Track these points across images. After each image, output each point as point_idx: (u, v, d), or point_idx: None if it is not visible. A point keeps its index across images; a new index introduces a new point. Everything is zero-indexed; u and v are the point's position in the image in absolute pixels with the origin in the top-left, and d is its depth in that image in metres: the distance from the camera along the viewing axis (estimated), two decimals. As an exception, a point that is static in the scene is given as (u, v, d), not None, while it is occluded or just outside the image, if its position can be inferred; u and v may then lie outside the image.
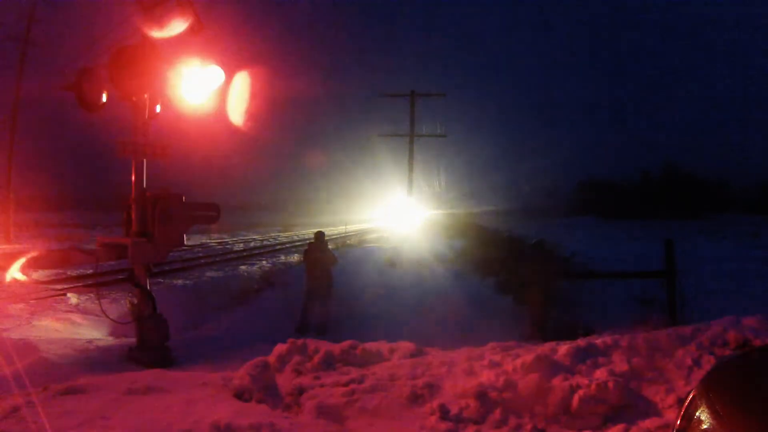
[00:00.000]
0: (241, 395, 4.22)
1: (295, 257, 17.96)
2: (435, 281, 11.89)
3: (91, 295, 9.31)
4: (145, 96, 6.04)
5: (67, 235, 26.53)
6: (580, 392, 3.84)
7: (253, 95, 7.29)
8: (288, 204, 78.36)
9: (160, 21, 5.93)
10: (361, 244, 23.07)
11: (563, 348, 4.50)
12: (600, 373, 4.13)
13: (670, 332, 4.56)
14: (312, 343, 5.20)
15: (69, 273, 13.19)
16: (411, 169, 28.74)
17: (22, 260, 14.04)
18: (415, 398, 4.08)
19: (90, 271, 12.98)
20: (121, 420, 3.56)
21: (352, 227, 36.44)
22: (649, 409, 3.83)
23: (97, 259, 8.05)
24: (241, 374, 4.42)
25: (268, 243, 26.65)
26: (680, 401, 3.13)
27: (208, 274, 13.79)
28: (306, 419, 3.88)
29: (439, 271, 13.49)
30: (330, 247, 9.62)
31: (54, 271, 13.42)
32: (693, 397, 2.25)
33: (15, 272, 11.82)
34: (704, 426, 2.03)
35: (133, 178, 6.08)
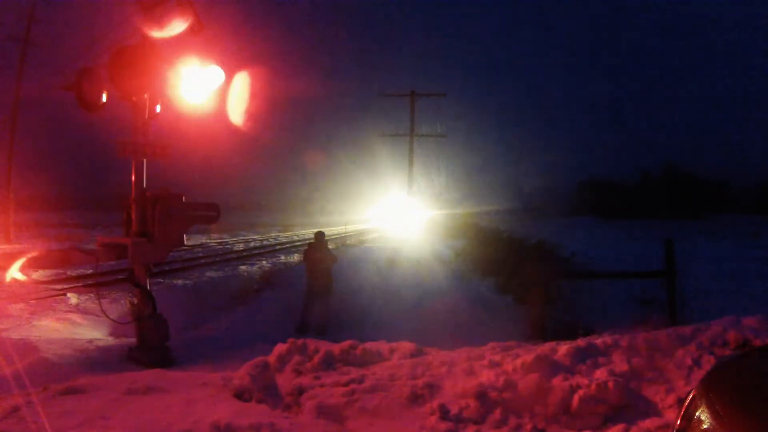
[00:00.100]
0: (241, 395, 4.22)
1: (295, 257, 17.96)
2: (435, 281, 11.89)
3: (91, 295, 9.31)
4: (145, 96, 6.04)
5: (67, 235, 26.53)
6: (580, 392, 3.84)
7: (253, 95, 7.29)
8: (288, 204, 78.36)
9: (160, 21, 5.94)
10: (361, 244, 23.06)
11: (563, 348, 4.50)
12: (600, 373, 4.13)
13: (670, 332, 4.56)
14: (312, 343, 5.20)
15: (69, 273, 13.18)
16: (411, 169, 28.79)
17: (22, 260, 14.05)
18: (415, 398, 4.08)
19: (90, 271, 12.98)
20: (121, 420, 3.56)
21: (352, 227, 36.43)
22: (649, 409, 3.83)
23: (97, 259, 8.06)
24: (241, 374, 4.42)
25: (268, 243, 26.65)
26: (680, 401, 3.13)
27: (208, 274, 13.79)
28: (306, 419, 3.88)
29: (439, 271, 13.49)
30: (330, 247, 9.62)
31: (54, 271, 13.41)
32: (693, 397, 2.25)
33: (15, 272, 11.82)
34: (704, 426, 2.03)
35: (133, 178, 6.08)
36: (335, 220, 43.51)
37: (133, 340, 6.34)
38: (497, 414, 3.82)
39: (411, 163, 28.66)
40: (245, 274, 14.28)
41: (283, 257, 18.60)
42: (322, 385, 4.38)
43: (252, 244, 25.32)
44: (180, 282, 12.25)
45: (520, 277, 9.39)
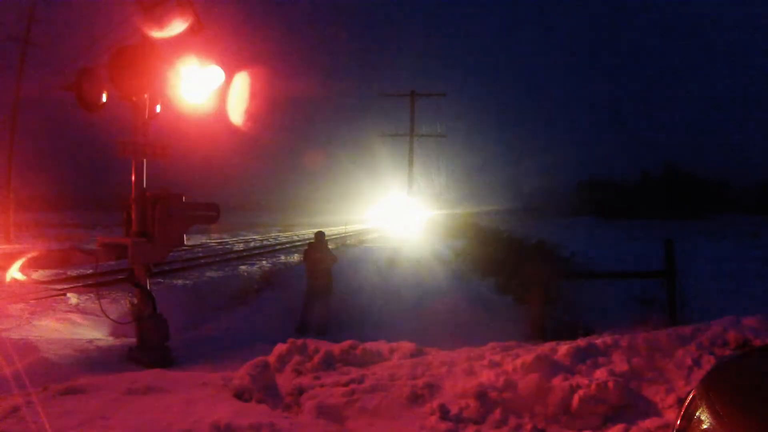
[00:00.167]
0: (241, 395, 4.22)
1: (295, 257, 17.96)
2: (435, 281, 11.89)
3: (91, 295, 9.31)
4: (145, 96, 6.04)
5: (67, 235, 26.53)
6: (580, 392, 3.84)
7: (253, 95, 7.29)
8: (288, 204, 78.38)
9: (160, 21, 5.94)
10: (361, 244, 23.07)
11: (563, 348, 4.50)
12: (600, 373, 4.13)
13: (670, 332, 4.56)
14: (312, 343, 5.20)
15: (69, 273, 13.18)
16: (411, 169, 28.80)
17: (22, 260, 14.05)
18: (415, 398, 4.08)
19: (90, 271, 12.98)
20: (121, 420, 3.56)
21: (352, 227, 36.43)
22: (649, 409, 3.83)
23: (97, 259, 8.06)
24: (241, 374, 4.42)
25: (268, 243, 26.64)
26: (680, 401, 3.13)
27: (208, 274, 13.79)
28: (306, 419, 3.88)
29: (440, 271, 13.49)
30: (330, 247, 9.62)
31: (54, 271, 13.41)
32: (693, 397, 2.25)
33: (15, 272, 11.82)
34: (704, 426, 2.03)
35: (133, 178, 6.08)
36: (335, 220, 43.49)
37: (133, 340, 6.34)
38: (497, 414, 3.82)
39: (411, 163, 28.67)
40: (245, 274, 14.28)
41: (283, 257, 18.59)
42: (322, 385, 4.38)
43: (252, 244, 25.31)
44: (180, 282, 12.25)
45: (520, 277, 9.39)
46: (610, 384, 3.85)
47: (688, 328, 4.66)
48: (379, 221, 44.65)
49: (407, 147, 28.59)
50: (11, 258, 14.35)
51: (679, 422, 2.27)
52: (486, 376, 4.19)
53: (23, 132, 23.51)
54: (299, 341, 5.24)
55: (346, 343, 5.16)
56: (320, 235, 9.22)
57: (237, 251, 20.89)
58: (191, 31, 6.08)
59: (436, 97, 28.39)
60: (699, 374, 3.82)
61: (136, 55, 5.86)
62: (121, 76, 5.86)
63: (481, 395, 3.93)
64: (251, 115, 7.49)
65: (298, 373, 4.80)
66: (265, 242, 27.25)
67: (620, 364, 4.24)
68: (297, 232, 36.42)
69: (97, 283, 10.65)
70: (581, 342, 4.65)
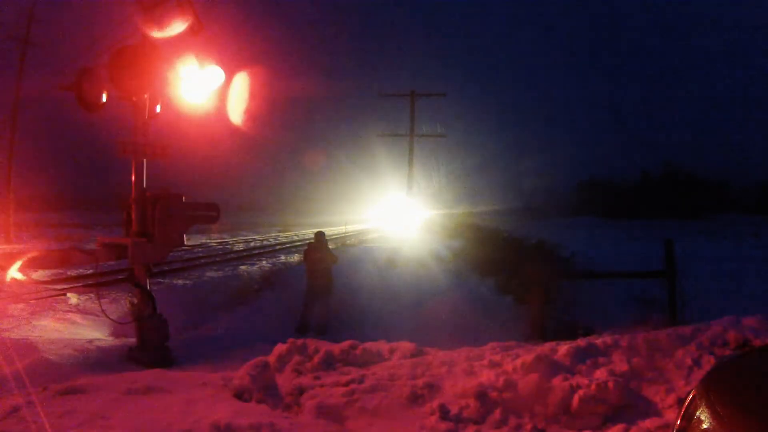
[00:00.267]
0: (241, 395, 4.23)
1: (295, 257, 17.96)
2: (435, 281, 11.89)
3: (91, 295, 9.31)
4: (145, 96, 6.04)
5: (67, 235, 26.52)
6: (580, 392, 3.84)
7: (253, 95, 7.29)
8: (288, 204, 78.39)
9: (160, 21, 5.93)
10: (360, 244, 23.07)
11: (563, 348, 4.51)
12: (600, 373, 4.13)
13: (670, 332, 4.56)
14: (312, 343, 5.20)
15: (69, 273, 13.18)
16: (411, 169, 28.79)
17: (22, 260, 14.04)
18: (415, 398, 4.08)
19: (90, 271, 12.98)
20: (121, 420, 3.56)
21: (352, 227, 36.44)
22: (649, 409, 3.83)
23: (97, 259, 8.05)
24: (241, 374, 4.42)
25: (268, 243, 26.65)
26: (680, 401, 3.13)
27: (208, 274, 13.79)
28: (306, 419, 3.88)
29: (439, 271, 13.48)
30: (330, 247, 9.62)
31: (54, 271, 13.41)
32: (693, 397, 2.25)
33: (15, 272, 11.82)
34: (704, 426, 2.03)
35: (133, 178, 6.08)
36: (335, 220, 43.50)
37: (133, 340, 6.33)
38: (497, 414, 3.82)
39: (411, 163, 28.66)
40: (245, 274, 14.28)
41: (283, 257, 18.59)
42: (322, 385, 4.38)
43: (252, 244, 25.32)
44: (180, 282, 12.25)
45: (520, 277, 9.39)
46: (610, 384, 3.85)
47: (688, 328, 4.66)
48: (378, 221, 44.66)
49: (407, 147, 28.58)
50: (11, 258, 14.36)
51: (679, 422, 2.27)
52: (486, 376, 4.19)
53: (23, 132, 23.53)
54: (299, 341, 5.24)
55: (346, 343, 5.16)
56: (320, 235, 9.22)
57: (237, 251, 20.89)
58: (191, 31, 6.07)
59: (436, 97, 28.37)
60: (699, 374, 3.82)
61: (136, 55, 5.85)
62: (121, 76, 5.86)
63: (481, 395, 3.93)
64: (251, 115, 7.49)
65: (298, 373, 4.80)
66: (265, 242, 27.26)
67: (620, 364, 4.24)
68: (297, 232, 36.42)
69: (97, 283, 10.65)
70: (581, 342, 4.65)
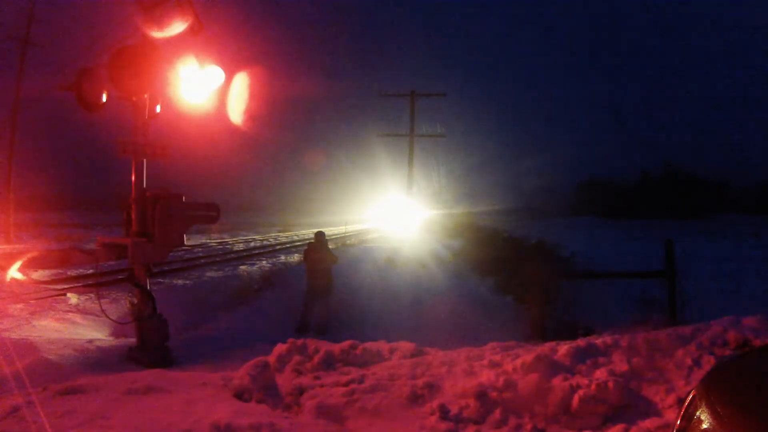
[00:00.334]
0: (241, 395, 4.22)
1: (295, 257, 17.96)
2: (435, 281, 11.89)
3: (91, 295, 9.31)
4: (145, 96, 6.04)
5: (67, 235, 26.52)
6: (580, 392, 3.84)
7: (253, 95, 7.29)
8: (288, 204, 78.39)
9: (160, 21, 5.93)
10: (360, 244, 23.07)
11: (563, 348, 4.50)
12: (600, 373, 4.13)
13: (670, 332, 4.56)
14: (312, 343, 5.20)
15: (69, 273, 13.18)
16: (411, 169, 28.80)
17: (22, 260, 14.04)
18: (415, 398, 4.08)
19: (90, 271, 12.98)
20: (121, 420, 3.56)
21: (352, 227, 36.43)
22: (649, 409, 3.83)
23: (97, 259, 8.04)
24: (241, 374, 4.42)
25: (268, 243, 26.65)
26: (680, 401, 3.13)
27: (208, 274, 13.79)
28: (306, 419, 3.88)
29: (439, 271, 13.48)
30: (330, 247, 9.62)
31: (54, 271, 13.41)
32: (693, 397, 2.25)
33: (15, 272, 11.82)
34: (704, 426, 2.03)
35: (133, 178, 6.08)
36: (335, 220, 43.51)
37: (133, 340, 6.33)
38: (497, 414, 3.82)
39: (411, 163, 28.66)
40: (245, 274, 14.28)
41: (283, 257, 18.59)
42: (322, 385, 4.38)
43: (252, 244, 25.32)
44: (180, 282, 12.25)
45: (520, 277, 9.39)
46: (610, 384, 3.85)
47: (688, 328, 4.66)
48: (378, 221, 44.67)
49: (407, 147, 28.59)
50: (11, 258, 14.36)
51: (679, 422, 2.27)
52: (486, 376, 4.19)
53: (23, 132, 23.53)
54: (299, 341, 5.24)
55: (346, 343, 5.16)
56: (320, 235, 9.22)
57: (237, 251, 20.89)
58: (191, 31, 6.07)
59: (436, 97, 28.38)
60: (699, 374, 3.82)
61: (136, 55, 5.85)
62: (121, 76, 5.85)
63: (481, 395, 3.93)
64: (251, 115, 7.49)
65: (298, 373, 4.80)
66: (265, 242, 27.26)
67: (620, 364, 4.24)
68: (297, 232, 36.42)
69: (97, 283, 10.65)
70: (581, 342, 4.65)
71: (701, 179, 57.89)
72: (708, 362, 4.06)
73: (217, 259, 17.53)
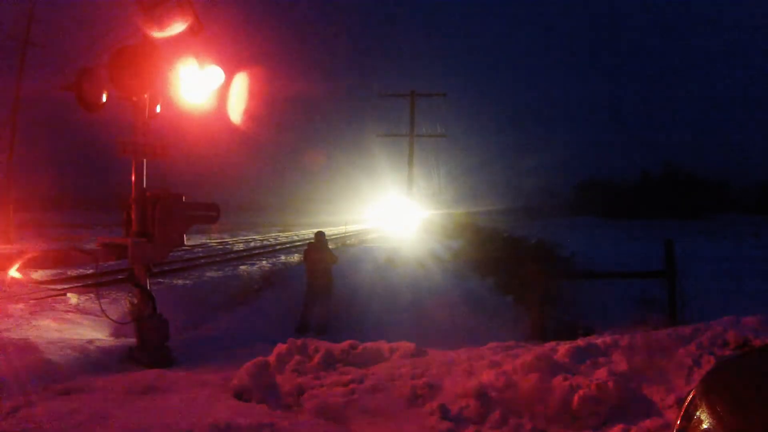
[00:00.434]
0: (241, 395, 4.22)
1: (295, 257, 17.96)
2: (434, 281, 11.89)
3: (91, 295, 9.30)
4: (145, 96, 6.04)
5: (67, 235, 26.52)
6: (581, 392, 3.84)
7: (253, 95, 7.29)
8: (288, 204, 78.40)
9: (160, 21, 5.93)
10: (361, 244, 23.07)
11: (563, 348, 4.51)
12: (600, 373, 4.13)
13: (670, 332, 4.56)
14: (312, 343, 5.20)
15: (69, 273, 13.18)
16: (411, 169, 28.79)
17: (22, 260, 14.04)
18: (415, 398, 4.08)
19: (90, 271, 12.98)
20: (121, 420, 3.56)
21: (352, 227, 36.44)
22: (649, 409, 3.83)
23: (97, 259, 8.03)
24: (241, 374, 4.42)
25: (268, 243, 26.65)
26: (680, 401, 3.12)
27: (208, 274, 13.79)
28: (306, 419, 3.88)
29: (439, 271, 13.48)
30: (330, 247, 9.62)
31: (54, 271, 13.41)
32: (693, 397, 2.25)
33: (15, 272, 11.81)
34: (704, 426, 2.03)
35: (133, 178, 6.08)
36: (335, 220, 43.52)
37: (133, 340, 6.33)
38: (497, 414, 3.82)
39: (411, 164, 28.66)
40: (245, 274, 14.28)
41: (283, 257, 18.59)
42: (322, 385, 4.38)
43: (252, 244, 25.32)
44: (180, 282, 12.25)
45: (520, 277, 9.38)
46: (610, 384, 3.85)
47: (688, 328, 4.66)
48: (378, 221, 44.66)
49: (407, 147, 28.59)
50: (11, 258, 14.35)
51: (679, 422, 2.27)
52: (486, 376, 4.19)
53: (23, 132, 23.53)
54: (299, 341, 5.24)
55: (346, 343, 5.16)
56: (320, 235, 9.22)
57: (237, 251, 20.90)
58: (191, 32, 6.07)
59: (436, 97, 28.39)
60: (699, 374, 3.82)
61: (136, 55, 5.85)
62: (121, 76, 5.85)
63: (481, 395, 3.93)
64: (251, 115, 7.49)
65: (298, 373, 4.80)
66: (265, 242, 27.26)
67: (620, 364, 4.24)
68: (297, 232, 36.42)
69: (97, 283, 10.64)
70: (581, 342, 4.65)
71: (701, 179, 57.91)
72: (708, 362, 4.06)
73: (217, 259, 17.53)
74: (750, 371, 2.38)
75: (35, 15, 21.86)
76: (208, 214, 6.60)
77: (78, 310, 8.67)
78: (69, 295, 9.47)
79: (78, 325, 7.91)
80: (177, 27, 5.96)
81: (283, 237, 32.07)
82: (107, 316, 6.74)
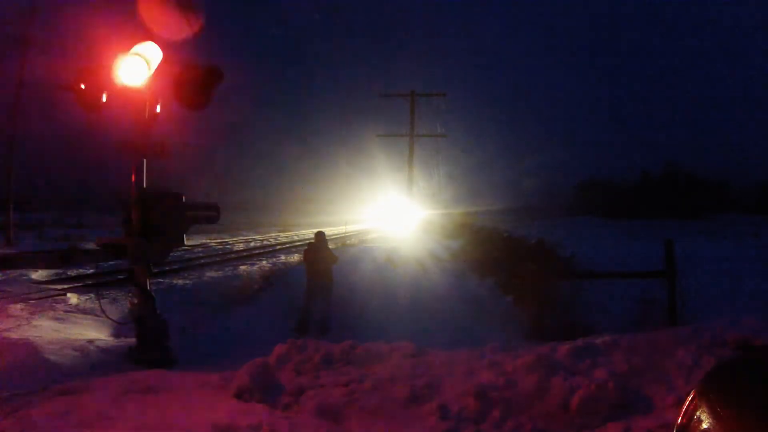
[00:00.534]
0: (241, 395, 4.22)
1: (295, 257, 17.95)
2: (434, 281, 11.89)
3: (91, 295, 9.31)
4: (145, 96, 6.04)
5: (67, 235, 26.52)
6: (580, 392, 3.84)
7: (253, 95, 7.29)
8: (288, 204, 78.40)
9: (160, 21, 5.93)
10: (360, 244, 23.07)
11: (563, 348, 4.50)
12: (600, 373, 4.13)
13: (670, 332, 4.57)
14: (312, 343, 5.20)
15: (69, 273, 13.19)
16: (411, 169, 28.80)
17: (21, 260, 14.04)
18: (415, 398, 4.08)
19: (90, 271, 12.98)
20: (121, 420, 3.56)
21: (352, 227, 36.43)
22: (649, 409, 3.83)
23: (97, 259, 8.03)
24: (241, 374, 4.42)
25: (268, 243, 26.65)
26: (680, 401, 3.13)
27: (208, 274, 13.79)
28: (306, 419, 3.88)
29: (439, 271, 13.49)
30: (330, 247, 9.62)
31: (54, 271, 13.41)
32: (693, 396, 2.25)
33: (15, 272, 11.81)
34: (704, 426, 2.03)
35: (133, 178, 6.08)
36: (335, 220, 43.50)
37: (133, 340, 6.33)
38: (497, 414, 3.82)
39: (411, 164, 28.67)
40: (245, 274, 14.27)
41: (283, 257, 18.59)
42: (322, 385, 4.38)
43: (252, 244, 25.32)
44: (180, 282, 12.25)
45: (520, 277, 9.39)
46: (610, 384, 3.85)
47: (688, 328, 4.66)
48: (378, 221, 44.65)
49: (407, 147, 28.61)
50: (11, 258, 14.35)
51: (679, 422, 2.27)
52: (486, 376, 4.19)
53: (23, 132, 23.52)
54: (299, 341, 5.24)
55: (346, 343, 5.16)
56: (320, 235, 9.22)
57: (237, 251, 20.89)
58: (191, 32, 6.08)
59: (436, 97, 28.41)
60: (699, 374, 3.81)
61: (135, 55, 5.85)
62: (122, 76, 5.86)
63: (481, 395, 3.93)
64: (251, 115, 7.50)
65: (298, 373, 4.80)
66: (265, 242, 27.26)
67: (620, 364, 4.24)
68: (297, 232, 36.42)
69: (97, 283, 10.65)
70: (581, 342, 4.65)
71: (701, 179, 57.94)
72: (708, 362, 4.07)
73: (217, 259, 17.53)
74: (750, 371, 2.38)
75: (35, 15, 21.86)
76: (208, 214, 6.61)
77: (78, 310, 8.68)
78: (69, 295, 9.47)
79: (78, 325, 7.91)
80: (177, 27, 5.97)
81: (283, 237, 32.07)
82: (107, 316, 6.75)
